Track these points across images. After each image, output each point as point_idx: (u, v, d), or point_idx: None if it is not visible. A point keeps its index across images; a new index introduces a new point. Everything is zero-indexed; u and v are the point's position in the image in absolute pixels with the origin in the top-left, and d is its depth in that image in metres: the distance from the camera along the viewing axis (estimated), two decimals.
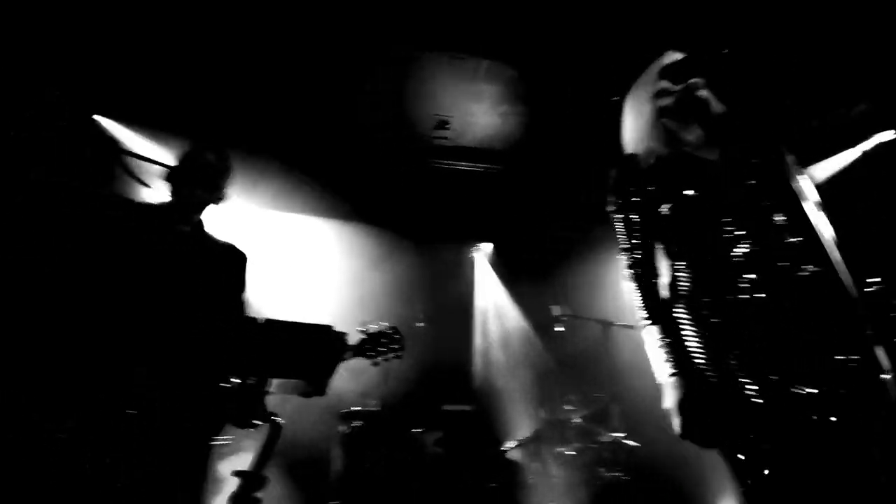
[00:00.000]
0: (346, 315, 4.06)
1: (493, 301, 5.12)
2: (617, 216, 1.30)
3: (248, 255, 1.64)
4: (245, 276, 1.62)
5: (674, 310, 1.17)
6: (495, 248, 5.37)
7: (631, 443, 3.01)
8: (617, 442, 3.02)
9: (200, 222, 1.56)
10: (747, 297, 1.07)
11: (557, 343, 4.01)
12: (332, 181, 4.36)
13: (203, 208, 1.55)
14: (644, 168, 1.28)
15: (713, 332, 1.09)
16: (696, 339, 1.11)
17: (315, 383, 1.53)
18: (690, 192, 1.19)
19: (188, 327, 1.34)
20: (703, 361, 1.08)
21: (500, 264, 5.32)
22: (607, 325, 3.46)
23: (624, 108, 1.42)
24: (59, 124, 2.70)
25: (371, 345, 1.60)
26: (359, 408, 3.46)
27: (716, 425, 1.04)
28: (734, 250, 1.10)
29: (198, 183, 1.49)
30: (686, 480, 3.36)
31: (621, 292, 4.36)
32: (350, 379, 3.80)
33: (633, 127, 1.37)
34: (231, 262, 1.60)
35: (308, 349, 1.52)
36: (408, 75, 3.46)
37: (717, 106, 1.27)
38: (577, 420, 3.26)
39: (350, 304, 4.01)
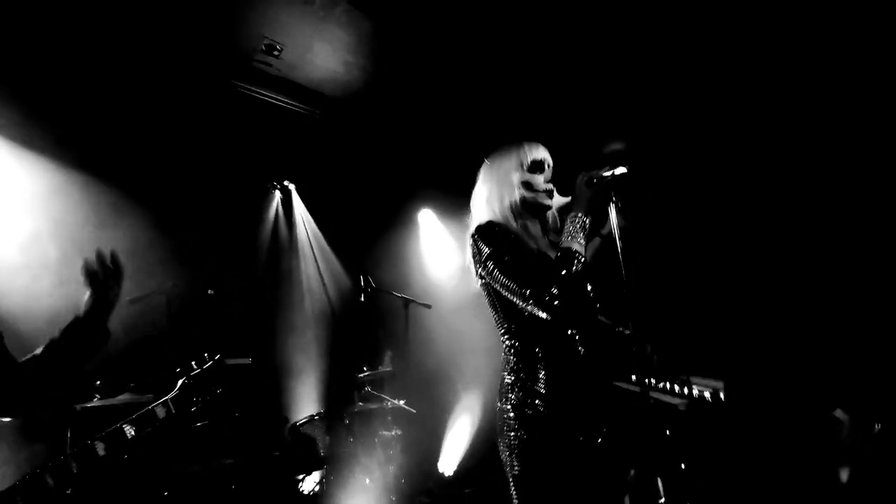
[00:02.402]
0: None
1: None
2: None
3: None
4: None
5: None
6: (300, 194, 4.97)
7: (409, 408, 3.43)
8: (398, 407, 3.40)
9: None
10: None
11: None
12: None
13: None
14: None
15: None
16: None
17: None
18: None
19: None
20: None
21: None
22: (408, 300, 3.74)
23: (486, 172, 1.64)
24: None
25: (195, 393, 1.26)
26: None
27: None
28: None
29: None
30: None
31: (420, 273, 4.77)
32: None
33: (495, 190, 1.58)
34: None
35: None
36: None
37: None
38: (365, 387, 3.49)
39: None
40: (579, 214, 1.41)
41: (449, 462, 4.46)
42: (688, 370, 2.49)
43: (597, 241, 1.58)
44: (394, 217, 5.25)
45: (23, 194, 2.92)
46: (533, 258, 1.43)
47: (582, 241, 1.38)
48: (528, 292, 1.33)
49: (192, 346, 3.50)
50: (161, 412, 1.14)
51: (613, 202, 1.39)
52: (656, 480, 1.67)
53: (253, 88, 3.78)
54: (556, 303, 1.32)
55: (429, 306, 3.82)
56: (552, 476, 1.32)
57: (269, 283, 4.37)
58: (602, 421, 1.41)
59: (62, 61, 3.12)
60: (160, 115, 3.65)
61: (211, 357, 1.29)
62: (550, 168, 1.61)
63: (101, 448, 1.02)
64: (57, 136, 3.04)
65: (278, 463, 2.99)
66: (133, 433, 1.07)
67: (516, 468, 1.35)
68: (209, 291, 2.68)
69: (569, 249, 1.37)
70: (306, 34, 3.23)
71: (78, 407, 2.70)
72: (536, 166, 1.57)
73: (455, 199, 5.34)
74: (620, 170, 1.40)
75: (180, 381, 1.20)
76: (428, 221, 5.57)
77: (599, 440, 1.39)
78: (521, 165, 1.57)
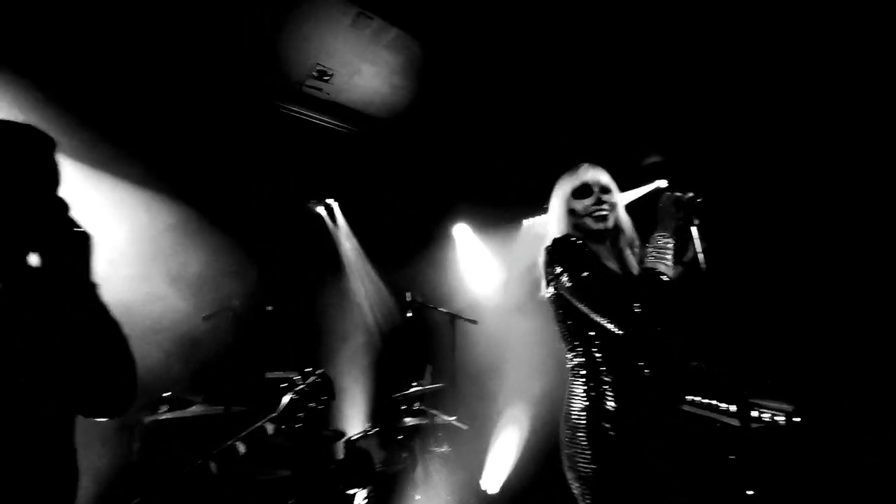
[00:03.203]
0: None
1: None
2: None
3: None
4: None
5: None
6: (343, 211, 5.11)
7: (461, 425, 3.43)
8: (448, 423, 3.41)
9: None
10: None
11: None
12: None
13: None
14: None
15: None
16: None
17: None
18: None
19: None
20: None
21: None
22: (454, 316, 3.76)
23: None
24: None
25: (302, 404, 1.30)
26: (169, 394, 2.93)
27: None
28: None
29: None
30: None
31: (462, 288, 4.79)
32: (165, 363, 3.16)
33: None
34: None
35: None
36: (305, 16, 2.87)
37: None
38: (417, 402, 3.51)
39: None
40: (665, 235, 1.40)
41: (493, 480, 4.40)
42: (755, 392, 2.40)
43: (678, 267, 1.56)
44: (434, 232, 5.32)
45: (109, 218, 3.15)
46: (611, 277, 1.43)
47: (669, 262, 1.37)
48: (608, 309, 1.33)
49: (253, 359, 3.68)
50: (270, 428, 1.19)
51: (695, 224, 1.38)
52: None
53: (302, 111, 3.96)
54: (635, 322, 1.31)
55: (475, 322, 3.83)
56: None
57: (318, 299, 4.48)
58: (669, 446, 1.37)
59: (138, 92, 3.35)
60: (221, 141, 3.86)
61: (314, 372, 1.33)
62: (602, 188, 1.55)
63: (213, 467, 1.07)
64: (145, 166, 3.27)
65: (333, 476, 3.03)
66: (244, 450, 1.11)
67: (588, 499, 1.33)
68: (268, 308, 2.78)
69: (653, 270, 1.36)
70: (356, 58, 3.36)
71: (146, 420, 2.83)
72: (581, 192, 1.54)
73: (490, 213, 5.37)
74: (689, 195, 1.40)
75: (287, 397, 1.25)
76: (463, 236, 5.62)
77: (667, 467, 1.34)
78: (570, 192, 1.56)
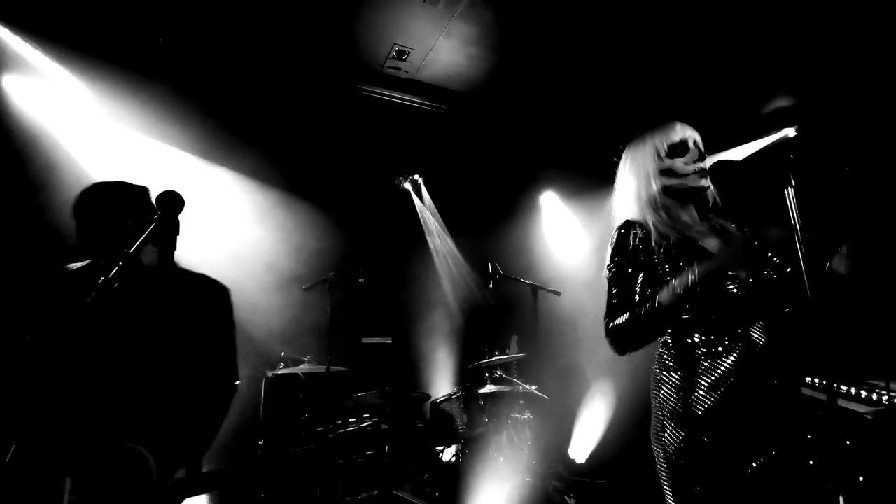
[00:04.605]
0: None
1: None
2: None
3: (227, 288, 1.39)
4: (230, 315, 1.39)
5: None
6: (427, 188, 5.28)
7: (541, 394, 3.48)
8: (530, 392, 3.47)
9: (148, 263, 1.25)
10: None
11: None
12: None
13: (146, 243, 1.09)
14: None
15: None
16: None
17: None
18: None
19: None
20: None
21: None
22: (537, 287, 3.75)
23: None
24: None
25: None
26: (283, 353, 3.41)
27: None
28: None
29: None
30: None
31: (547, 259, 4.71)
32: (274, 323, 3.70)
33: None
34: (208, 301, 1.36)
35: None
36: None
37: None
38: (497, 370, 3.63)
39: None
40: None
41: (581, 450, 4.40)
42: (882, 373, 2.06)
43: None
44: (518, 203, 5.27)
45: (229, 204, 3.71)
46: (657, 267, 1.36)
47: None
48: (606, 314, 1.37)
49: (350, 325, 4.11)
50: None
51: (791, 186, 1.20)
52: (838, 499, 1.44)
53: (386, 93, 4.12)
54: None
55: (558, 293, 3.77)
56: (717, 490, 1.21)
57: (406, 270, 4.77)
58: (774, 437, 1.24)
59: (247, 90, 3.80)
60: (317, 131, 4.24)
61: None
62: (698, 145, 1.44)
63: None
64: (255, 158, 3.81)
65: (422, 433, 3.31)
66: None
67: (675, 475, 1.26)
68: (360, 279, 3.05)
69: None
70: (431, 34, 3.38)
71: (269, 373, 3.34)
72: (676, 149, 1.43)
73: (578, 180, 5.13)
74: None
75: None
76: (551, 204, 5.45)
77: (769, 463, 1.22)
78: (658, 153, 1.44)
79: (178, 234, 1.16)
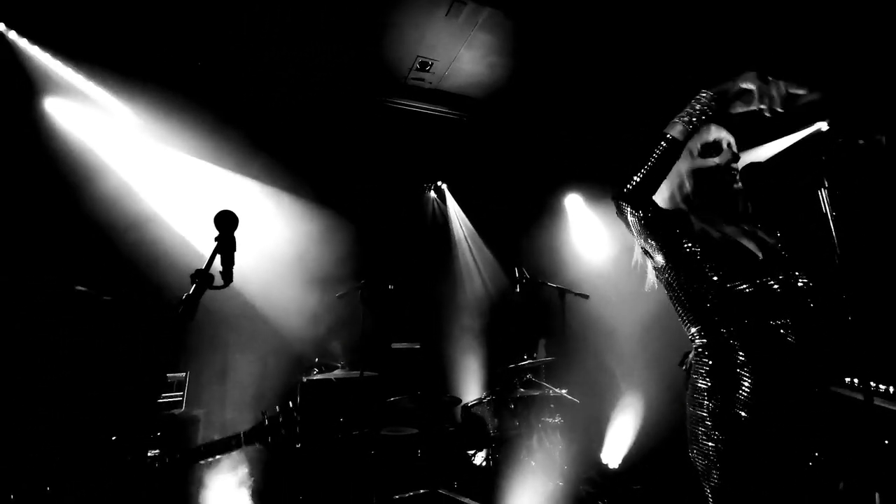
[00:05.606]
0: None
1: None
2: None
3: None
4: None
5: None
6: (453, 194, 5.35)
7: (572, 398, 3.47)
8: (560, 395, 3.47)
9: None
10: None
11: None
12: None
13: None
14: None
15: None
16: None
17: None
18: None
19: None
20: None
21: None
22: (564, 291, 3.74)
23: None
24: None
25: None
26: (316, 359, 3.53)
27: None
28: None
29: None
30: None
31: (574, 261, 4.68)
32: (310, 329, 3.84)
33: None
34: None
35: None
36: (403, 16, 3.08)
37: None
38: (526, 374, 3.64)
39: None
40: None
41: (614, 454, 4.34)
42: None
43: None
44: (542, 206, 5.27)
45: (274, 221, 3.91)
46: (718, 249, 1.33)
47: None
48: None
49: (380, 332, 4.21)
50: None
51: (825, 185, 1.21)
52: (874, 495, 1.41)
53: (410, 103, 4.23)
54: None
55: (586, 296, 3.76)
56: (759, 493, 1.19)
57: (433, 276, 4.85)
58: (814, 436, 1.23)
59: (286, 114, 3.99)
60: (345, 145, 4.41)
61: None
62: (732, 147, 1.44)
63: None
64: (293, 176, 4.02)
65: (453, 437, 3.35)
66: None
67: (716, 479, 1.23)
68: (389, 287, 3.14)
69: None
70: (454, 45, 3.46)
71: (304, 379, 3.46)
72: (709, 149, 1.43)
73: (602, 182, 5.09)
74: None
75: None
76: (576, 207, 5.43)
77: (811, 463, 1.21)
78: (691, 153, 1.44)
79: (235, 249, 1.26)
